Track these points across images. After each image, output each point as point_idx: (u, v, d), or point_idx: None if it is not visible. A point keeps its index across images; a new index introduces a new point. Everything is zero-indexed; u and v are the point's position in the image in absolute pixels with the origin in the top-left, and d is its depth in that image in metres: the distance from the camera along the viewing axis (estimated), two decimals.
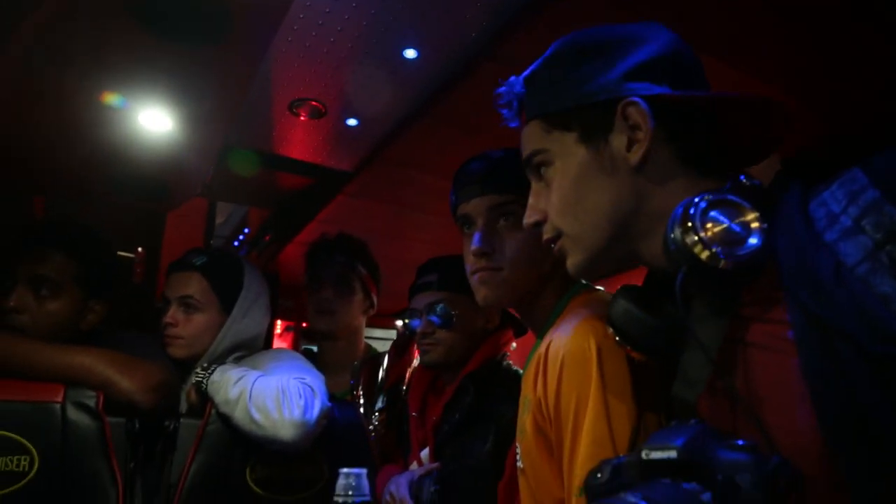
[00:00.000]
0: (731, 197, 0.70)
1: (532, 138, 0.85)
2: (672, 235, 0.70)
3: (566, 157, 0.81)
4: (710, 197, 0.70)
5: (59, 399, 1.32)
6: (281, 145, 1.97)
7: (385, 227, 2.37)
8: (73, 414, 1.32)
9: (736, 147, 0.80)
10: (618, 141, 0.78)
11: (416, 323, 1.61)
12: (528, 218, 0.88)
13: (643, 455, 0.64)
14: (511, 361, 1.64)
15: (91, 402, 1.34)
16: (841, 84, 1.49)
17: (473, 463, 1.44)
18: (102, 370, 1.37)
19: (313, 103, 1.71)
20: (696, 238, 0.68)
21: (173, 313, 1.59)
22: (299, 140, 1.94)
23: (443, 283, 1.59)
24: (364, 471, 1.06)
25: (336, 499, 1.07)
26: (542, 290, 1.14)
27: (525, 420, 1.06)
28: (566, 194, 0.81)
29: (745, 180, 0.74)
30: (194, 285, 1.60)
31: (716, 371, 0.72)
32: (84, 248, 1.53)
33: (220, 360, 1.59)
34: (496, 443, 1.42)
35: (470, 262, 1.15)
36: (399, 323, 2.01)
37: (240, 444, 1.42)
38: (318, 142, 1.94)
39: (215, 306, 1.62)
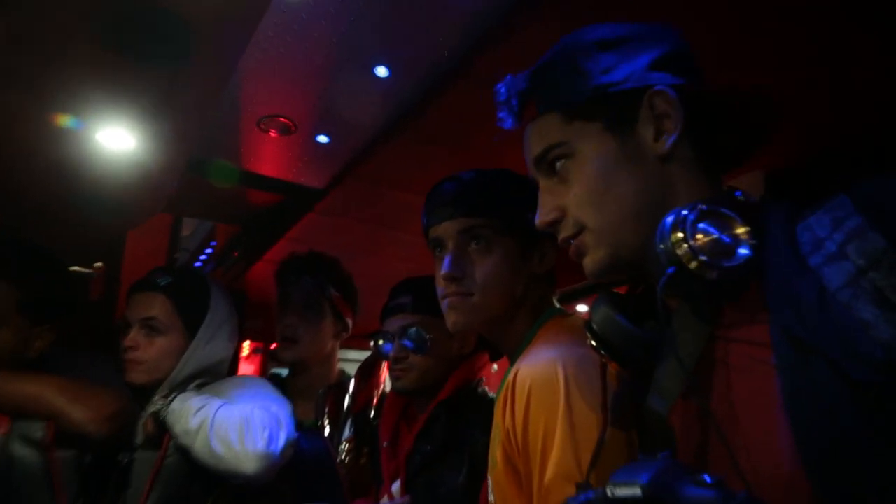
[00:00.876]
0: (723, 210, 0.72)
1: (547, 132, 0.84)
2: (661, 241, 0.72)
3: (590, 147, 0.81)
4: (703, 207, 0.72)
5: (3, 431, 1.29)
6: (249, 161, 1.98)
7: (358, 244, 2.37)
8: (18, 449, 1.28)
9: (730, 144, 0.84)
10: (644, 131, 0.80)
11: (388, 347, 1.61)
12: (545, 216, 0.86)
13: (608, 492, 0.64)
14: (487, 388, 1.64)
15: (38, 435, 1.31)
16: (831, 100, 1.50)
17: (446, 495, 1.44)
18: (53, 399, 1.35)
19: (282, 120, 1.72)
20: (686, 246, 0.70)
21: (134, 336, 1.56)
22: (268, 156, 1.95)
23: (417, 305, 1.59)
24: None
25: None
26: (515, 316, 1.16)
27: (495, 452, 1.07)
28: (591, 184, 0.81)
29: (740, 196, 0.77)
30: (158, 307, 1.59)
31: (690, 387, 0.74)
32: (28, 274, 1.50)
33: (181, 386, 1.57)
34: (470, 474, 1.42)
35: (440, 286, 1.17)
36: (371, 344, 2.01)
37: (199, 478, 1.40)
38: (288, 158, 1.95)
39: (179, 329, 1.60)
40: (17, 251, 1.54)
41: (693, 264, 0.69)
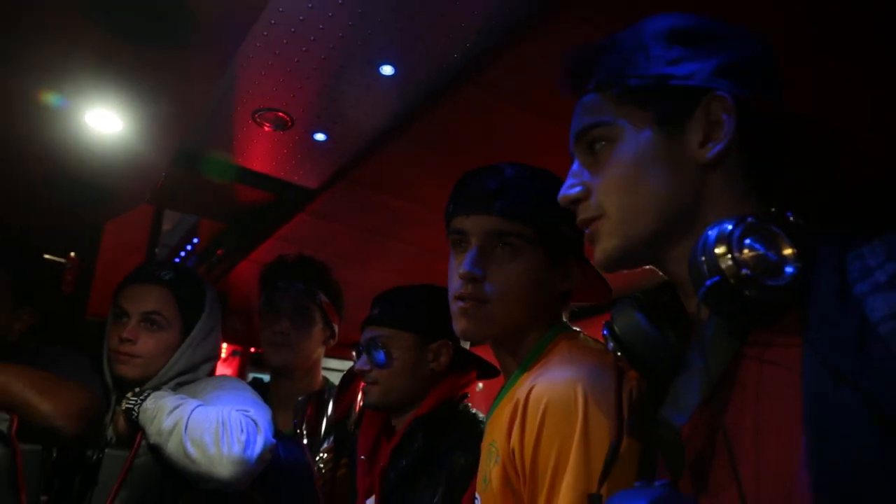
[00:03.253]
0: (773, 227, 0.71)
1: (596, 108, 0.84)
2: (702, 254, 0.70)
3: (634, 134, 0.80)
4: (752, 221, 0.71)
5: None
6: (241, 156, 1.96)
7: (347, 250, 2.35)
8: None
9: (791, 175, 0.84)
10: (693, 133, 0.79)
11: (361, 360, 1.59)
12: (569, 189, 0.85)
13: None
14: (470, 404, 1.62)
15: (3, 427, 1.28)
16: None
17: None
18: (19, 390, 1.32)
19: (279, 114, 1.71)
20: (731, 259, 0.68)
21: (134, 328, 1.56)
22: (261, 152, 1.94)
23: (383, 317, 1.57)
24: None
25: None
26: (527, 331, 1.12)
27: (491, 470, 1.04)
28: (624, 173, 0.80)
29: (791, 217, 0.74)
30: (161, 301, 1.60)
31: (708, 403, 0.73)
32: (16, 255, 1.51)
33: (165, 385, 1.57)
34: (446, 494, 1.40)
35: (455, 285, 1.11)
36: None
37: (170, 479, 1.38)
38: (282, 155, 1.94)
39: (177, 327, 1.62)
40: (5, 235, 1.54)
41: (737, 281, 0.68)
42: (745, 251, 0.69)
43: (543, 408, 0.92)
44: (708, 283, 0.69)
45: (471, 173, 1.19)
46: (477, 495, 1.11)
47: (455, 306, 1.11)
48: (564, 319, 1.19)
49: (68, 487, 1.36)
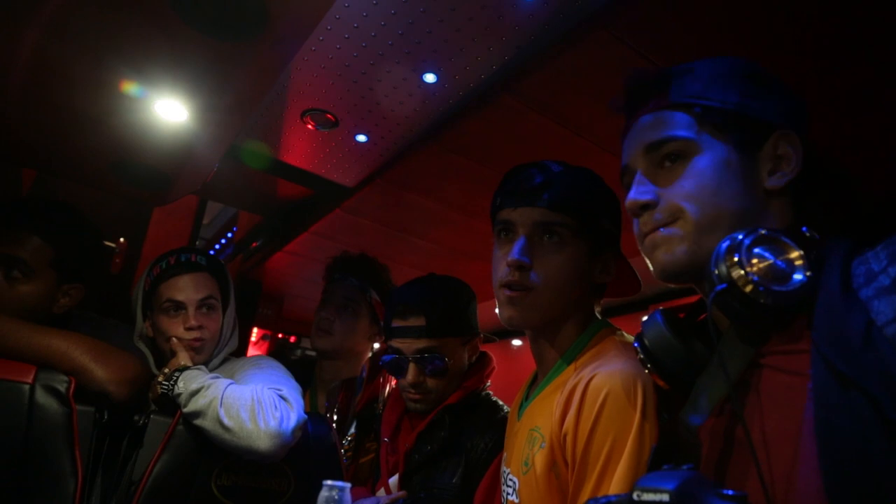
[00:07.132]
0: (783, 238, 0.72)
1: (672, 124, 0.83)
2: (715, 265, 0.71)
3: (712, 152, 0.81)
4: (763, 232, 0.71)
5: (29, 380, 1.27)
6: (287, 152, 1.97)
7: (374, 246, 2.36)
8: (42, 397, 1.27)
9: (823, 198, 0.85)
10: (764, 162, 0.81)
11: (388, 358, 1.55)
12: (642, 195, 0.83)
13: (635, 496, 0.64)
14: (491, 392, 1.63)
15: (62, 388, 1.30)
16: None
17: (439, 494, 1.42)
18: (78, 356, 1.34)
19: (328, 115, 1.72)
20: (740, 268, 0.69)
21: (197, 316, 1.54)
22: (304, 149, 1.94)
23: (433, 328, 1.48)
24: (348, 485, 1.04)
25: None
26: (567, 320, 1.11)
27: (535, 455, 1.02)
28: (705, 184, 0.80)
29: (805, 232, 0.76)
30: (210, 285, 1.60)
31: (723, 407, 0.74)
32: (62, 232, 1.49)
33: (216, 359, 1.59)
34: (465, 476, 1.41)
35: (501, 272, 1.09)
36: (376, 346, 2.01)
37: (208, 447, 1.38)
38: (324, 153, 1.94)
39: (222, 305, 1.63)
40: (54, 210, 1.53)
41: (747, 287, 0.68)
42: (755, 261, 0.70)
43: (604, 396, 0.91)
44: (717, 288, 0.70)
45: (517, 168, 1.17)
46: (513, 477, 1.09)
47: (501, 294, 1.09)
48: (597, 312, 1.18)
49: (117, 448, 1.36)
